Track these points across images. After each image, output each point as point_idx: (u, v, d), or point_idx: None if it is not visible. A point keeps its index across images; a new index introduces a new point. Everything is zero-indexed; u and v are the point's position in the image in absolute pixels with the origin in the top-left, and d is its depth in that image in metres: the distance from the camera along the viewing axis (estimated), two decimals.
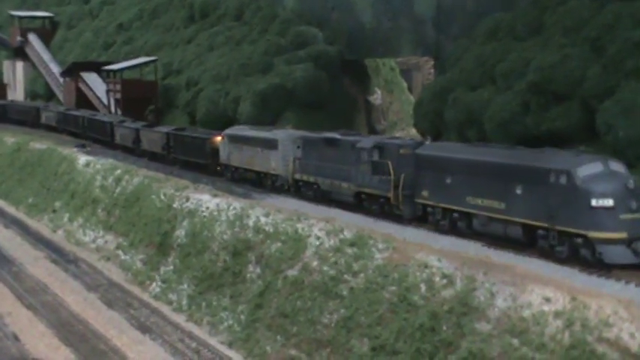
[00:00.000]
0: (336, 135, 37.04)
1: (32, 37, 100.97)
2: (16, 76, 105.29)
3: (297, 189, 39.31)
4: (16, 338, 32.92)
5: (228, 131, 46.47)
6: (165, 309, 36.04)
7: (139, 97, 70.31)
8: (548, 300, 21.98)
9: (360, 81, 65.85)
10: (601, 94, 33.32)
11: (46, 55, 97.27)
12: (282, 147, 40.01)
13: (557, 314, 21.46)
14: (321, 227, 31.88)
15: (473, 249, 27.59)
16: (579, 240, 24.44)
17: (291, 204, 37.49)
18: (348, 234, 30.47)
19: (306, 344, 28.35)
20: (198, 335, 32.47)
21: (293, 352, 28.57)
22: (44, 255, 46.92)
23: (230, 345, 31.15)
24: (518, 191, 26.15)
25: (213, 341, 31.72)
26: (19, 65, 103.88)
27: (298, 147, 39.07)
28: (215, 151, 47.03)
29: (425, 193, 30.87)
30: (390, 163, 32.15)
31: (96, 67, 79.31)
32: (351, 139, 35.40)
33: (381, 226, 31.90)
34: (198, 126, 60.75)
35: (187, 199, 40.99)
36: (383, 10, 59.37)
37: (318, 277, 29.68)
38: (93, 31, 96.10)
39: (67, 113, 76.26)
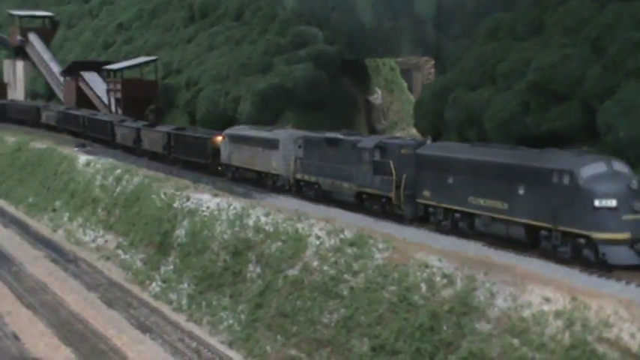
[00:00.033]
0: (337, 135, 37.02)
1: (32, 37, 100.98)
2: (17, 75, 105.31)
3: (299, 189, 39.28)
4: (15, 338, 32.92)
5: (229, 131, 46.46)
6: (165, 308, 36.04)
7: (139, 97, 70.34)
8: (548, 300, 21.97)
9: (360, 81, 65.83)
10: (601, 94, 33.30)
11: (46, 55, 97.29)
12: (283, 147, 39.99)
13: (557, 314, 21.46)
14: (321, 227, 31.88)
15: (473, 249, 27.59)
16: (582, 240, 24.37)
17: (291, 204, 37.49)
18: (348, 234, 30.47)
19: (306, 344, 28.35)
20: (199, 335, 32.47)
21: (293, 351, 28.57)
22: (44, 254, 46.92)
23: (230, 345, 31.15)
24: (521, 191, 26.09)
25: (213, 341, 31.72)
26: (20, 64, 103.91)
27: (299, 147, 39.06)
28: (216, 151, 47.01)
29: (426, 193, 30.85)
30: (391, 163, 32.14)
31: (96, 67, 79.36)
32: (352, 139, 35.37)
33: (381, 225, 31.91)
34: (199, 126, 60.76)
35: (188, 199, 40.99)
36: (383, 10, 59.35)
37: (318, 276, 29.68)
38: (93, 31, 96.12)
39: (68, 113, 76.28)
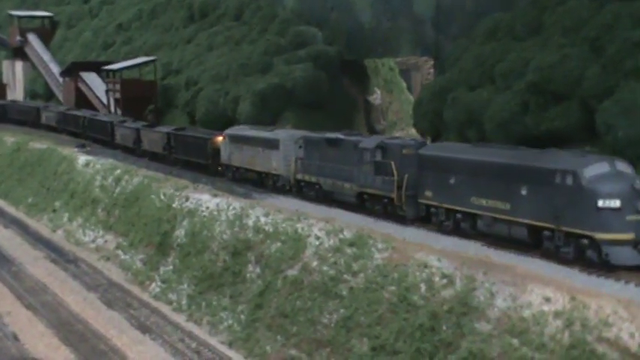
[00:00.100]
0: (338, 135, 36.99)
1: (32, 37, 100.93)
2: (16, 75, 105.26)
3: (299, 189, 39.26)
4: (15, 338, 32.93)
5: (230, 131, 46.42)
6: (165, 309, 36.05)
7: (139, 97, 70.33)
8: (548, 300, 22.00)
9: (359, 81, 65.84)
10: (600, 94, 33.32)
11: (45, 55, 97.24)
12: (284, 147, 39.96)
13: (557, 314, 21.49)
14: (320, 227, 31.90)
15: (473, 249, 27.60)
16: (585, 241, 24.31)
17: (291, 204, 37.49)
18: (347, 234, 30.49)
19: (306, 344, 28.38)
20: (198, 335, 32.48)
21: (293, 351, 28.59)
22: (44, 255, 46.93)
23: (230, 345, 31.18)
24: (524, 192, 26.03)
25: (213, 341, 31.74)
26: (19, 65, 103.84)
27: (300, 147, 39.00)
28: (216, 152, 46.96)
29: (428, 194, 30.83)
30: (393, 163, 32.08)
31: (95, 67, 79.33)
32: (353, 140, 35.31)
33: (381, 226, 31.91)
34: (198, 126, 60.76)
35: (187, 199, 41.01)
36: (382, 10, 59.38)
37: (317, 277, 29.70)
38: (92, 31, 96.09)
39: (68, 113, 76.27)
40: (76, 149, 62.25)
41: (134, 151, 58.92)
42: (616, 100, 32.09)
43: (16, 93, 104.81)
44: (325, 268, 29.65)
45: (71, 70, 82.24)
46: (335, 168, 35.93)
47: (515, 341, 21.83)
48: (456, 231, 29.69)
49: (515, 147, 29.79)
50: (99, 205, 50.41)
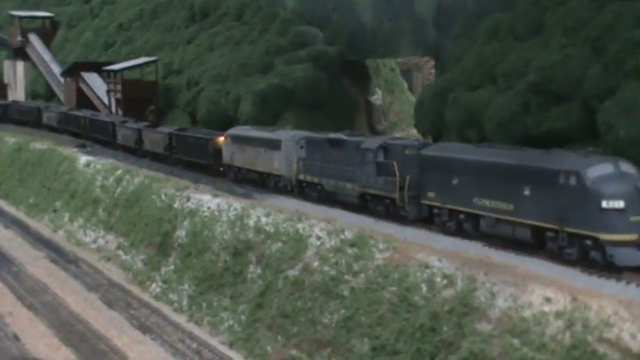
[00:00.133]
0: (340, 135, 36.94)
1: (33, 37, 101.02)
2: (17, 76, 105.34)
3: (301, 190, 39.21)
4: (16, 338, 32.93)
5: (231, 131, 46.39)
6: (166, 309, 36.04)
7: (140, 97, 70.35)
8: (548, 300, 21.96)
9: (360, 81, 65.82)
10: (601, 94, 33.28)
11: (46, 55, 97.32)
12: (286, 147, 39.91)
13: (557, 314, 21.45)
14: (322, 227, 31.88)
15: (473, 249, 27.57)
16: (589, 242, 24.21)
17: (292, 204, 37.47)
18: (348, 234, 30.47)
19: (306, 344, 28.35)
20: (199, 335, 32.47)
21: (294, 352, 28.57)
22: (44, 255, 46.94)
23: (231, 345, 31.16)
24: (527, 192, 25.93)
25: (213, 341, 31.72)
26: (20, 65, 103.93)
27: (302, 147, 38.94)
28: (218, 152, 46.89)
29: (431, 195, 30.77)
30: (395, 163, 32.01)
31: (96, 67, 79.38)
32: (355, 140, 35.24)
33: (382, 226, 31.89)
34: (199, 126, 60.78)
35: (188, 199, 41.00)
36: (383, 10, 59.35)
37: (318, 277, 29.67)
38: (93, 31, 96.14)
39: (69, 114, 76.32)
40: (76, 149, 62.25)
41: (135, 151, 58.92)
42: (617, 100, 32.05)
43: (17, 93, 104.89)
44: (326, 268, 29.63)
45: (72, 71, 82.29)
46: (337, 169, 35.87)
47: (516, 341, 21.80)
48: (459, 232, 29.60)
49: (519, 147, 29.62)
50: (100, 206, 50.41)
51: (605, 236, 23.70)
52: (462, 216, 29.35)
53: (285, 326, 29.65)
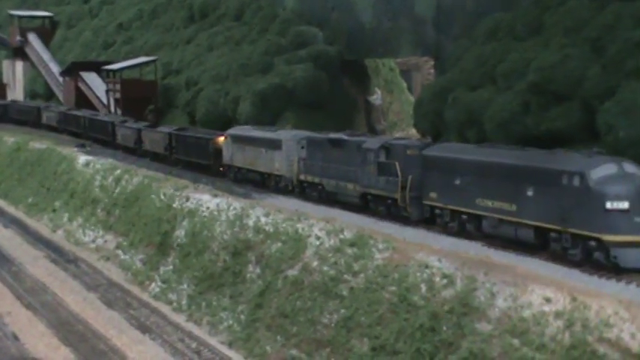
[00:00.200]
0: (341, 135, 36.88)
1: (32, 37, 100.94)
2: (16, 75, 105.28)
3: (302, 190, 39.15)
4: (15, 338, 32.89)
5: (232, 131, 46.33)
6: (165, 309, 36.01)
7: (139, 97, 70.32)
8: (548, 300, 21.95)
9: (359, 81, 65.84)
10: (601, 94, 33.27)
11: (45, 55, 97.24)
12: (286, 147, 39.86)
13: (557, 314, 21.44)
14: (321, 227, 31.86)
15: (473, 249, 27.55)
16: (593, 243, 24.11)
17: (291, 204, 37.46)
18: (348, 234, 30.45)
19: (306, 344, 28.33)
20: (198, 335, 32.44)
21: (293, 352, 28.55)
22: (44, 255, 46.90)
23: (230, 345, 31.13)
24: (530, 193, 25.81)
25: (213, 341, 31.69)
26: (19, 65, 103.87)
27: (302, 147, 38.88)
28: (218, 152, 46.81)
29: (433, 195, 30.69)
30: (397, 164, 31.94)
31: (95, 67, 79.37)
32: (356, 140, 35.17)
33: (382, 226, 31.87)
34: (199, 126, 60.75)
35: (187, 199, 40.98)
36: (383, 10, 59.35)
37: (318, 277, 29.66)
38: (92, 31, 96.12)
39: (68, 113, 76.29)
40: (75, 149, 62.23)
41: (135, 151, 58.89)
42: (617, 100, 32.05)
43: (16, 93, 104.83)
44: (325, 268, 29.61)
45: (71, 70, 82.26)
46: (338, 169, 35.79)
47: (515, 341, 21.79)
48: (461, 232, 29.52)
49: (522, 148, 29.47)
50: (99, 205, 50.38)
51: (609, 237, 23.58)
52: (464, 217, 29.27)
53: (285, 326, 29.63)
